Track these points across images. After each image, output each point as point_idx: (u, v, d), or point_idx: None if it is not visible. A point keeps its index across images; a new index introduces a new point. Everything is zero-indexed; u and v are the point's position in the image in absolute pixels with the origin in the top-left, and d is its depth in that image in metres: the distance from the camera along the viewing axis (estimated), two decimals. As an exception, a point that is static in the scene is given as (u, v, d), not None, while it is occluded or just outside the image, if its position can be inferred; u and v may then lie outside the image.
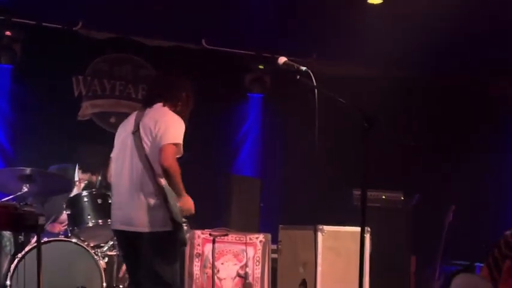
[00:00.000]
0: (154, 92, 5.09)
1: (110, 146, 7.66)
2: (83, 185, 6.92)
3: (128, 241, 4.90)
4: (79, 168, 6.93)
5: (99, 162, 6.89)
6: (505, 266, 5.71)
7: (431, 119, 8.91)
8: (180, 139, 4.78)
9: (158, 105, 4.95)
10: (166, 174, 4.69)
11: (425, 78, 8.84)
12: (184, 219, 4.79)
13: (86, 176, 6.94)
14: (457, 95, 8.82)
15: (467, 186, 8.48)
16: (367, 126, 3.91)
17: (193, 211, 4.84)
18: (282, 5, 7.29)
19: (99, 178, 6.64)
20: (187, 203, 4.81)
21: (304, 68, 4.29)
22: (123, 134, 5.00)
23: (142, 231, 4.76)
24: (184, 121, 4.89)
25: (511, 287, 5.68)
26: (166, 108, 4.94)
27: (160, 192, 4.73)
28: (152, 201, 4.74)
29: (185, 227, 4.83)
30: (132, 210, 4.79)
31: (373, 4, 7.04)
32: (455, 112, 8.80)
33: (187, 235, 4.86)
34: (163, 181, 4.73)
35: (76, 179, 6.89)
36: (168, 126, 4.79)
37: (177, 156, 4.75)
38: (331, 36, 7.90)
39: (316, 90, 4.26)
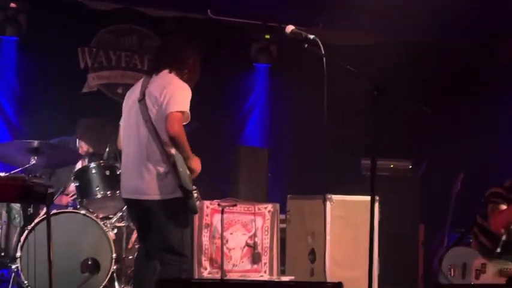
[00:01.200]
0: (161, 59, 5.00)
1: (113, 116, 7.70)
2: (86, 157, 6.91)
3: (138, 209, 4.90)
4: (79, 140, 6.94)
5: (96, 134, 6.91)
6: (489, 209, 5.80)
7: (441, 85, 8.84)
8: (186, 107, 4.72)
9: (164, 72, 4.88)
10: (173, 142, 4.66)
11: (434, 43, 8.76)
12: (194, 187, 4.79)
13: (85, 147, 6.94)
14: (467, 60, 8.74)
15: (477, 155, 8.44)
16: (376, 94, 3.88)
17: (199, 170, 4.80)
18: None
19: (107, 149, 6.62)
20: (195, 163, 4.78)
21: (312, 37, 4.24)
22: (129, 102, 4.95)
23: (151, 199, 4.75)
24: (191, 89, 4.83)
25: (499, 221, 5.77)
26: (172, 75, 4.87)
27: (168, 160, 4.69)
28: (161, 169, 4.72)
29: (195, 195, 4.82)
30: (141, 178, 4.77)
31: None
32: (465, 78, 8.72)
33: (198, 203, 4.81)
34: (172, 150, 4.70)
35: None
36: (174, 94, 4.73)
37: (184, 123, 4.71)
38: (337, 5, 7.83)
39: (324, 59, 4.22)
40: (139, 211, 4.90)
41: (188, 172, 4.73)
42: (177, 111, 4.66)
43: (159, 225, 4.81)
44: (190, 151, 4.74)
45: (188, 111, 4.74)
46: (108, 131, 6.80)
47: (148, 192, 4.76)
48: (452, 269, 6.24)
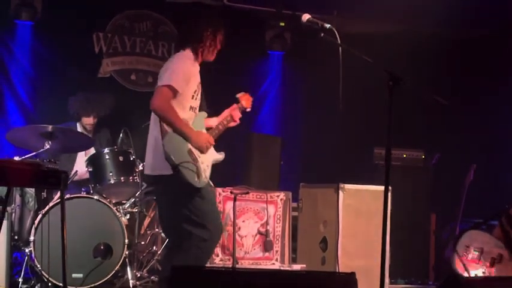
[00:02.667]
0: (179, 37, 5.06)
1: (129, 102, 7.71)
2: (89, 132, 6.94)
3: (150, 184, 4.99)
4: (78, 121, 6.99)
5: (83, 106, 6.94)
6: None
7: (455, 76, 8.79)
8: (176, 81, 4.67)
9: (179, 51, 4.91)
10: (158, 116, 4.71)
11: (450, 34, 8.70)
12: (190, 165, 4.69)
13: (80, 126, 6.98)
14: (482, 52, 8.67)
15: (490, 145, 8.41)
16: (391, 85, 3.88)
17: (206, 144, 4.81)
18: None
19: (121, 135, 6.65)
20: (198, 140, 4.78)
21: (328, 26, 4.24)
22: None
23: (148, 174, 4.88)
24: (214, 56, 4.93)
25: None
26: (181, 53, 4.87)
27: (162, 136, 4.72)
28: (155, 144, 4.77)
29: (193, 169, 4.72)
30: (147, 153, 4.90)
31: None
32: (479, 69, 8.66)
33: (198, 180, 4.72)
34: (166, 126, 4.72)
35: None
36: (167, 69, 4.77)
37: (174, 98, 4.69)
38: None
39: (340, 48, 4.21)
40: (152, 185, 4.98)
41: (190, 147, 4.73)
42: (163, 85, 4.68)
43: (163, 202, 4.96)
44: (184, 127, 4.71)
45: (179, 86, 4.68)
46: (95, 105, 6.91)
47: (147, 167, 4.88)
48: (468, 250, 6.25)
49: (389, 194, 5.92)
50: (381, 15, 8.32)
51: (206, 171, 4.82)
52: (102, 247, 6.06)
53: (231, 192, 6.27)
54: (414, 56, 8.39)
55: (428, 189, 7.86)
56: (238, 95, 5.25)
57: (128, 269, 6.18)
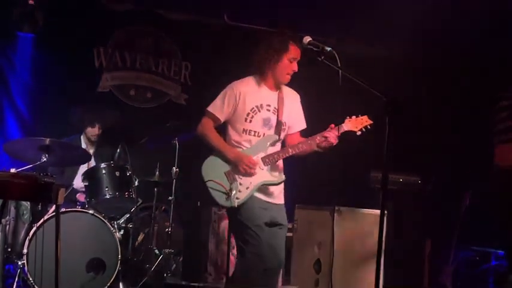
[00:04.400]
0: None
1: (127, 117, 7.71)
2: (91, 151, 6.93)
3: None
4: (82, 133, 6.99)
5: (88, 117, 6.95)
6: None
7: (449, 101, 8.81)
8: (211, 107, 4.99)
9: None
10: None
11: (443, 59, 8.73)
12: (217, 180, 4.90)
13: (85, 137, 6.98)
14: (476, 78, 8.69)
15: (486, 171, 8.40)
16: (390, 111, 3.88)
17: (242, 166, 4.86)
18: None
19: (118, 150, 6.65)
20: (235, 162, 4.90)
21: (329, 49, 4.26)
22: None
23: None
24: (280, 69, 4.96)
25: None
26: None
27: None
28: None
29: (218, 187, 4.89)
30: None
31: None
32: (473, 95, 8.67)
33: (226, 200, 4.89)
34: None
35: (84, 146, 6.94)
36: None
37: (211, 123, 5.00)
38: (353, 17, 7.84)
39: (340, 72, 4.23)
40: None
41: (229, 169, 4.90)
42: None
43: None
44: (218, 146, 4.95)
45: (213, 111, 4.98)
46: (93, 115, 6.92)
47: None
48: None
49: (385, 218, 5.93)
50: (381, 39, 8.37)
51: (242, 192, 4.86)
52: (95, 262, 6.04)
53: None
54: (410, 80, 8.43)
55: (424, 214, 7.86)
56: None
57: (121, 284, 6.16)
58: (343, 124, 4.98)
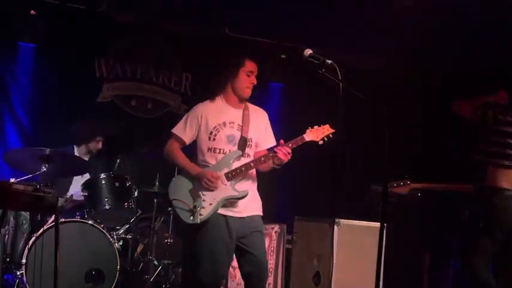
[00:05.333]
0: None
1: (128, 127, 7.70)
2: (86, 159, 6.93)
3: None
4: (76, 145, 6.98)
5: (91, 131, 6.94)
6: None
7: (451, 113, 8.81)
8: (175, 129, 5.11)
9: None
10: None
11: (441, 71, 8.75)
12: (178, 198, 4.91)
13: (83, 149, 6.98)
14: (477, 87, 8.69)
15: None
16: (390, 123, 3.89)
17: (204, 181, 4.86)
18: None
19: (118, 160, 6.65)
20: (198, 178, 4.90)
21: (329, 61, 4.25)
22: None
23: None
24: (243, 88, 5.06)
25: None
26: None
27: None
28: None
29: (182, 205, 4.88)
30: None
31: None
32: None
33: (192, 218, 4.83)
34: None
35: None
36: None
37: (177, 144, 5.11)
38: (354, 29, 7.87)
39: (341, 85, 4.22)
40: None
41: (194, 186, 4.90)
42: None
43: None
44: (183, 164, 5.03)
45: (177, 132, 5.09)
46: (92, 129, 6.92)
47: None
48: None
49: (384, 230, 5.93)
50: (381, 51, 8.39)
51: (206, 209, 4.83)
52: (94, 272, 6.03)
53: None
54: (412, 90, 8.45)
55: (424, 227, 7.85)
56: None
57: (120, 295, 6.15)
58: (304, 135, 5.03)
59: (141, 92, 8.48)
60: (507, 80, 6.11)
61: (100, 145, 7.04)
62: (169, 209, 6.80)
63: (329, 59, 4.27)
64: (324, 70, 4.28)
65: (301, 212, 6.88)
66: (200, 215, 4.80)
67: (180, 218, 4.86)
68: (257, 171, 5.14)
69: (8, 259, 6.11)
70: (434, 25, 7.36)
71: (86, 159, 6.97)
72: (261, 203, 5.19)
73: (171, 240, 6.85)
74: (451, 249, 7.49)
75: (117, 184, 6.39)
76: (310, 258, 6.32)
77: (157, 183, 6.92)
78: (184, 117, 5.13)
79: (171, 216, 6.84)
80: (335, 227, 6.04)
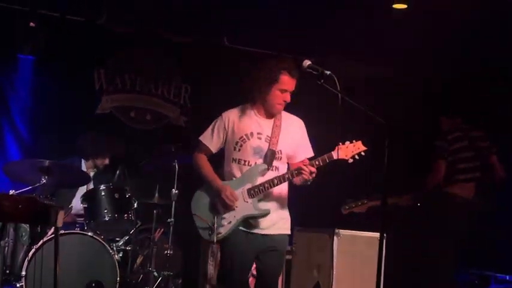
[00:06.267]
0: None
1: (127, 139, 7.69)
2: (92, 173, 6.94)
3: None
4: (84, 159, 6.98)
5: (100, 147, 6.94)
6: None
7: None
8: (203, 137, 4.97)
9: None
10: None
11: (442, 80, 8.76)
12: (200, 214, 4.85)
13: (91, 163, 6.98)
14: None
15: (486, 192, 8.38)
16: (389, 135, 3.90)
17: (223, 200, 4.73)
18: (304, 5, 7.25)
19: (118, 171, 6.66)
20: (218, 194, 4.79)
21: (328, 72, 4.26)
22: None
23: None
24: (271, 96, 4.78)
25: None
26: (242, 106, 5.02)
27: None
28: None
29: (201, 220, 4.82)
30: None
31: (397, 9, 7.03)
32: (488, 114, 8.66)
33: (210, 235, 4.78)
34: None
35: (84, 169, 6.93)
36: None
37: (203, 154, 4.99)
38: (353, 39, 7.89)
39: (340, 96, 4.23)
40: None
41: (214, 202, 4.82)
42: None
43: None
44: (207, 176, 4.90)
45: (204, 140, 4.96)
46: (102, 145, 6.91)
47: None
48: None
49: (384, 240, 5.93)
50: (380, 60, 8.42)
51: (225, 227, 4.73)
52: (94, 284, 6.02)
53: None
54: (410, 102, 8.46)
55: (423, 237, 7.83)
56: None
57: (119, 307, 6.13)
58: (332, 152, 4.70)
59: (140, 104, 8.47)
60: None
61: (107, 161, 7.03)
62: (169, 220, 6.79)
63: (328, 70, 4.28)
64: (322, 81, 4.28)
65: (301, 223, 6.87)
66: (218, 233, 4.73)
67: (198, 230, 4.84)
68: (290, 183, 4.91)
69: (7, 271, 6.10)
70: (434, 29, 7.37)
71: (92, 173, 6.98)
72: (289, 221, 4.98)
73: (171, 252, 6.83)
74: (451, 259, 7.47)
75: (116, 195, 6.38)
76: (310, 269, 6.32)
77: (156, 194, 6.91)
78: (211, 125, 4.94)
79: (171, 228, 6.83)
80: (335, 237, 6.04)
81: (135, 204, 6.52)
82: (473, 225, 7.01)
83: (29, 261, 5.76)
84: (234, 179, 4.81)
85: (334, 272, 5.73)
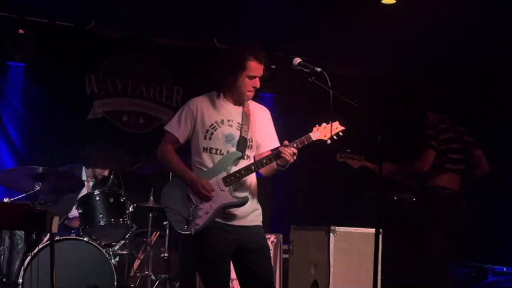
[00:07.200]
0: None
1: (120, 143, 7.68)
2: (91, 183, 6.94)
3: None
4: (85, 167, 6.96)
5: (102, 158, 6.92)
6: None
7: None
8: (169, 126, 4.67)
9: None
10: None
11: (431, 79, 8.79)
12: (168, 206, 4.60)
13: (91, 172, 6.97)
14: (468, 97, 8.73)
15: (480, 188, 8.41)
16: (381, 130, 3.90)
17: (197, 190, 4.47)
18: (295, 4, 7.26)
19: (112, 176, 6.64)
20: (191, 186, 4.52)
21: (319, 69, 4.25)
22: None
23: None
24: (243, 91, 4.61)
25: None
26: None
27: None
28: None
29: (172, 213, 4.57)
30: None
31: (386, 4, 7.03)
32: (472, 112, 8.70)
33: (186, 227, 4.48)
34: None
35: (84, 178, 6.91)
36: None
37: (170, 145, 4.65)
38: (343, 37, 7.90)
39: (331, 92, 4.22)
40: None
41: (189, 193, 4.56)
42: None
43: None
44: (177, 169, 4.62)
45: (170, 130, 4.65)
46: (104, 155, 6.88)
47: None
48: None
49: (380, 236, 5.93)
50: (371, 59, 8.43)
51: (202, 218, 4.48)
52: (91, 289, 6.01)
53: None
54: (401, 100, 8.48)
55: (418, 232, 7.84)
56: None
57: (117, 311, 6.12)
58: (310, 134, 4.57)
59: (132, 107, 8.47)
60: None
61: (106, 173, 7.00)
62: (165, 223, 6.77)
63: (318, 67, 4.27)
64: (313, 78, 4.27)
65: (298, 221, 6.88)
66: (196, 225, 4.46)
67: (171, 224, 4.58)
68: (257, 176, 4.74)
69: (4, 279, 6.10)
70: (433, 31, 7.41)
71: (91, 183, 6.96)
72: (261, 211, 4.77)
73: (168, 255, 6.82)
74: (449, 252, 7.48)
75: (111, 200, 6.37)
76: (307, 267, 6.32)
77: (151, 197, 6.89)
78: (178, 113, 4.67)
79: (167, 230, 6.82)
80: (331, 234, 6.04)
81: (131, 208, 6.50)
82: (464, 216, 7.00)
83: (25, 269, 5.73)
84: (206, 169, 4.58)
85: (331, 269, 5.73)
